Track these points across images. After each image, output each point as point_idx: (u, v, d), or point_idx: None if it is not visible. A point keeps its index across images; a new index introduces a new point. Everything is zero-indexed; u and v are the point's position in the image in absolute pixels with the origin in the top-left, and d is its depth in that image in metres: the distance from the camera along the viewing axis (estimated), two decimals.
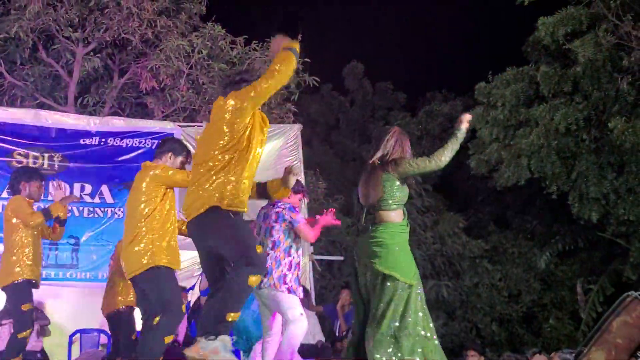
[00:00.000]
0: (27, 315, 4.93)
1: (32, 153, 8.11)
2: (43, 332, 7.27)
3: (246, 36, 10.79)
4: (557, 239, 14.56)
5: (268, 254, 4.46)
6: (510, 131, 12.96)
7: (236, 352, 6.06)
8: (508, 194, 16.19)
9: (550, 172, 12.12)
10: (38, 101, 10.48)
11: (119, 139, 8.46)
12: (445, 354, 3.69)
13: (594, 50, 11.30)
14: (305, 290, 8.07)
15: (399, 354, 3.51)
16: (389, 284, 3.64)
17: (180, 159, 4.33)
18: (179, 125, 8.98)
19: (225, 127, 3.44)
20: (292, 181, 3.86)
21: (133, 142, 8.49)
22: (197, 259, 3.91)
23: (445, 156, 3.77)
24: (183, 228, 4.03)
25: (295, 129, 9.41)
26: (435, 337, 3.65)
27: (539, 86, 12.44)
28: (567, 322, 14.74)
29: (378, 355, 3.52)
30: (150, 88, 10.59)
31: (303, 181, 9.10)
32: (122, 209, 7.90)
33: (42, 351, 7.03)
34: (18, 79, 10.42)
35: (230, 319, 3.23)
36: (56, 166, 8.15)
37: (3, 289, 5.00)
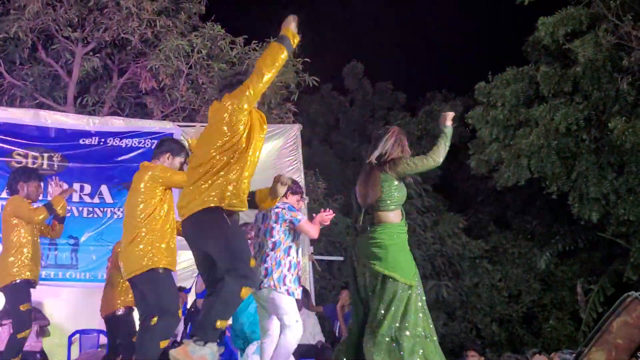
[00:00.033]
0: (25, 315, 4.92)
1: (31, 153, 8.09)
2: (42, 332, 7.25)
3: (246, 36, 10.79)
4: (557, 239, 14.55)
5: (268, 255, 4.45)
6: (510, 131, 12.96)
7: (234, 352, 6.09)
8: (508, 194, 16.19)
9: (550, 172, 12.12)
10: (37, 101, 10.47)
11: (119, 139, 8.45)
12: (445, 355, 3.68)
13: (594, 50, 11.30)
14: (305, 291, 8.06)
15: (399, 355, 3.49)
16: (388, 285, 3.63)
17: (178, 159, 4.32)
18: (179, 125, 8.97)
19: (225, 128, 3.45)
20: (281, 191, 3.80)
21: (132, 142, 8.48)
22: None
23: (440, 154, 3.81)
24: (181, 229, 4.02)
25: (295, 129, 9.40)
26: (435, 337, 3.64)
27: (539, 86, 12.44)
28: (568, 322, 14.74)
29: (378, 357, 3.50)
30: (150, 88, 10.58)
31: (303, 181, 9.09)
32: (121, 209, 7.88)
33: (42, 351, 7.02)
34: (17, 79, 10.42)
35: (218, 326, 3.24)
36: (55, 166, 8.13)
37: (1, 290, 4.99)
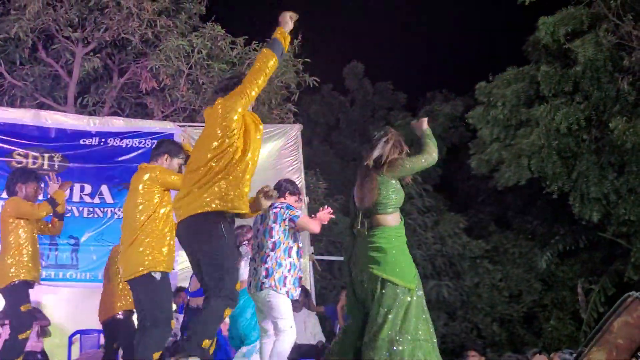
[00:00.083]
0: (26, 316, 4.91)
1: (32, 153, 8.10)
2: (43, 332, 7.25)
3: (246, 36, 10.80)
4: (557, 239, 14.55)
5: (268, 255, 4.44)
6: (511, 131, 12.96)
7: (229, 351, 6.13)
8: (509, 194, 16.18)
9: (551, 172, 12.11)
10: (38, 101, 10.48)
11: (119, 139, 8.45)
12: (446, 355, 3.68)
13: (594, 50, 11.30)
14: (306, 291, 8.06)
15: (400, 359, 3.48)
16: (388, 289, 3.61)
17: (176, 160, 4.31)
18: (179, 125, 8.97)
19: (218, 131, 3.49)
20: (264, 204, 3.84)
21: (133, 142, 8.48)
22: None
23: (433, 150, 3.81)
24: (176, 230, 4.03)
25: (296, 129, 9.40)
26: (435, 341, 3.63)
27: (539, 86, 12.44)
28: (568, 322, 14.73)
29: None
30: (150, 88, 10.59)
31: (303, 181, 9.09)
32: (122, 210, 7.88)
33: (42, 352, 7.02)
34: (18, 79, 10.42)
35: (204, 345, 3.32)
36: (56, 166, 8.13)
37: (0, 291, 4.97)
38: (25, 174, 5.30)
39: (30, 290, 5.02)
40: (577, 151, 12.06)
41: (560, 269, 15.26)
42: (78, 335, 7.33)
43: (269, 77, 3.65)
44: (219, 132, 3.49)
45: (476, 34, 22.35)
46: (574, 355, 4.55)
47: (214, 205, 3.40)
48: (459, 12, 23.52)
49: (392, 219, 3.76)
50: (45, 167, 8.04)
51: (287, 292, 4.39)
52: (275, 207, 4.52)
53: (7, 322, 6.45)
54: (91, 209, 8.18)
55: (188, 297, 6.91)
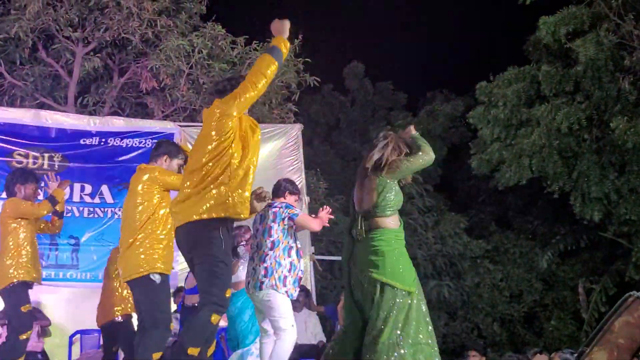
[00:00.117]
0: (27, 316, 4.91)
1: (32, 153, 8.10)
2: (44, 332, 7.25)
3: (247, 36, 10.79)
4: (558, 239, 14.54)
5: (267, 254, 4.42)
6: (512, 131, 12.94)
7: (226, 351, 6.13)
8: (509, 194, 16.17)
9: (552, 172, 12.10)
10: (38, 101, 10.47)
11: (119, 139, 8.45)
12: (447, 355, 3.67)
13: (595, 50, 11.29)
14: (307, 291, 8.05)
15: None
16: (387, 292, 3.60)
17: (176, 161, 4.30)
18: (179, 125, 8.97)
19: (213, 133, 3.48)
20: (257, 206, 3.84)
21: (133, 142, 8.48)
22: None
23: (430, 151, 3.85)
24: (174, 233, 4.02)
25: (296, 129, 9.39)
26: (435, 344, 3.63)
27: (540, 86, 12.43)
28: (569, 322, 14.72)
29: None
30: (151, 88, 10.58)
31: (304, 181, 9.08)
32: (122, 210, 7.88)
33: (43, 352, 7.02)
34: (18, 79, 10.42)
35: (190, 353, 3.32)
36: (56, 166, 8.13)
37: (0, 292, 4.97)
38: (25, 174, 5.30)
39: (30, 290, 5.02)
40: (578, 151, 12.05)
41: (561, 269, 15.25)
42: (78, 336, 7.33)
43: (269, 82, 3.61)
44: (213, 134, 3.48)
45: (477, 33, 22.32)
46: (576, 355, 4.54)
47: (214, 214, 3.39)
48: (459, 12, 23.51)
49: (391, 222, 3.75)
50: (46, 167, 8.04)
51: (286, 291, 4.37)
52: (275, 207, 4.51)
53: (7, 322, 6.46)
54: (91, 209, 8.17)
55: (184, 294, 6.91)
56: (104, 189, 8.27)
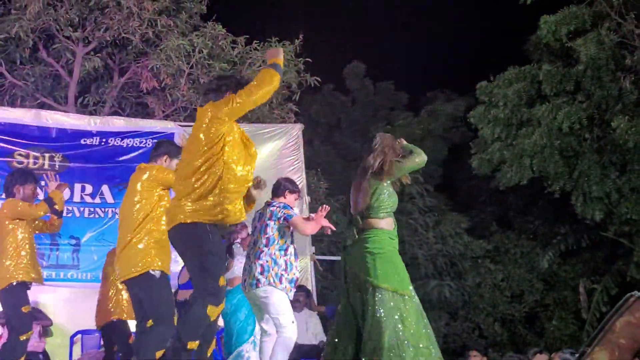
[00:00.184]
0: (27, 317, 4.91)
1: (32, 153, 8.10)
2: (45, 333, 7.26)
3: (247, 36, 10.79)
4: (559, 238, 14.51)
5: (262, 251, 4.45)
6: (513, 131, 12.92)
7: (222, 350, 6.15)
8: (510, 194, 16.13)
9: (553, 172, 12.08)
10: (38, 101, 10.47)
11: (120, 139, 8.45)
12: (447, 355, 3.67)
13: (596, 49, 11.27)
14: (307, 291, 8.05)
15: None
16: (381, 295, 3.60)
17: (175, 161, 4.31)
18: (180, 125, 8.96)
19: (201, 135, 3.47)
20: (255, 194, 3.90)
21: (134, 142, 8.48)
22: None
23: (422, 152, 3.93)
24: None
25: (297, 129, 9.39)
26: (435, 344, 3.62)
27: (541, 85, 12.40)
28: (571, 322, 14.68)
29: None
30: (151, 88, 10.58)
31: (304, 181, 9.08)
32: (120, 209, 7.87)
33: (44, 352, 7.02)
34: (18, 79, 10.41)
35: (189, 347, 3.32)
36: (57, 166, 8.13)
37: None
38: (24, 175, 5.30)
39: (31, 291, 5.02)
40: (579, 150, 12.03)
41: (562, 269, 15.21)
42: (79, 336, 7.33)
43: (271, 91, 3.54)
44: (202, 136, 3.46)
45: (477, 33, 22.26)
46: (577, 355, 4.54)
47: (206, 218, 3.40)
48: (459, 12, 23.47)
49: (385, 224, 3.77)
50: (46, 167, 8.04)
51: (283, 289, 4.38)
52: (273, 206, 4.55)
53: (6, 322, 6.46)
54: (92, 209, 8.18)
55: (177, 290, 6.91)
56: (105, 189, 8.28)
